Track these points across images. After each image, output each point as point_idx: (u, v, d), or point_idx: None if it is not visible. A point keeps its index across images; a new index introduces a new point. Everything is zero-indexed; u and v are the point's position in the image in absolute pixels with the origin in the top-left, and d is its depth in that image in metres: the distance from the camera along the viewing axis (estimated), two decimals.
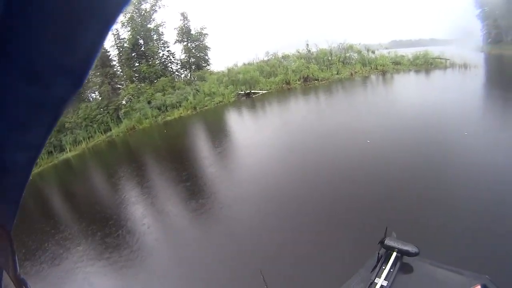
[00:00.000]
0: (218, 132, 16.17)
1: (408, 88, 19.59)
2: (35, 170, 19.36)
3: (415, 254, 2.72)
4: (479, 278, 2.46)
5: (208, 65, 20.43)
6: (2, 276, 0.46)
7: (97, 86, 20.06)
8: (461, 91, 16.16)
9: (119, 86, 19.83)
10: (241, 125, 17.33)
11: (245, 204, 8.76)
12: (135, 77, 19.64)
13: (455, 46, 28.71)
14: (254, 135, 15.15)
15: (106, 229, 9.40)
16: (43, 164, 19.42)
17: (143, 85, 19.10)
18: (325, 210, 7.26)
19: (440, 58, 24.88)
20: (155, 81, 19.24)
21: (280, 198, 8.50)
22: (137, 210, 10.70)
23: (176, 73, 20.13)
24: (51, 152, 19.60)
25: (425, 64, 25.87)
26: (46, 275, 7.52)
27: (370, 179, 8.26)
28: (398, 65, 27.40)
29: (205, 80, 19.29)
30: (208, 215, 8.91)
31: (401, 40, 33.10)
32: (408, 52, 27.99)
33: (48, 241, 9.58)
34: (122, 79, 19.92)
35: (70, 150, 19.06)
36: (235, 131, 16.57)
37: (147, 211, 10.56)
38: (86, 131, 18.92)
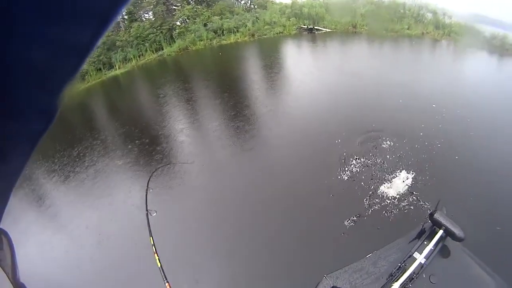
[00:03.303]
0: (274, 62, 14.72)
1: (482, 66, 16.91)
2: (84, 85, 19.26)
3: (460, 239, 2.56)
4: None
5: None
6: None
7: (152, 6, 19.13)
8: None
9: (174, 7, 18.75)
10: (299, 59, 15.73)
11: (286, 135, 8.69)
12: None
13: None
14: (310, 71, 13.63)
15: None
16: (91, 80, 19.25)
17: (199, 7, 17.85)
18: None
19: None
20: (213, 5, 17.90)
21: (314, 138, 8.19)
22: (179, 125, 10.46)
23: None
24: (100, 69, 19.30)
25: (500, 47, 22.26)
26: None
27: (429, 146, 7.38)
28: (473, 39, 23.76)
29: (266, 9, 17.64)
30: (248, 135, 9.03)
31: (486, 17, 28.32)
32: (486, 30, 24.31)
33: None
34: (178, 0, 18.78)
35: (119, 68, 18.64)
36: (291, 64, 15.04)
37: (188, 126, 10.29)
38: (137, 49, 18.29)
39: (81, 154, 10.11)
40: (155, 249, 3.00)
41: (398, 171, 6.69)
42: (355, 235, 5.11)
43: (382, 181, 6.43)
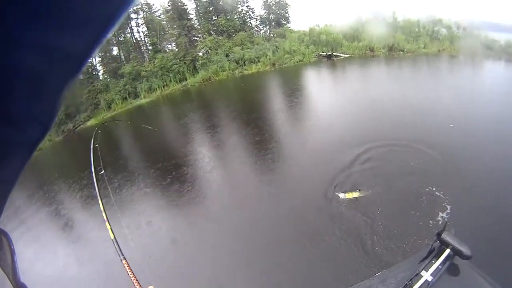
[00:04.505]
0: (296, 91, 15.09)
1: (503, 79, 16.77)
2: (110, 113, 20.12)
3: (468, 258, 2.54)
4: None
5: (288, 22, 19.27)
6: None
7: (174, 38, 20.04)
8: None
9: (196, 38, 19.58)
10: (321, 87, 16.02)
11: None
12: (213, 30, 19.19)
13: None
14: (332, 99, 13.92)
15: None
16: (117, 108, 20.10)
17: (221, 38, 18.58)
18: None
19: None
20: (234, 35, 18.60)
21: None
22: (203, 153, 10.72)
23: (255, 28, 19.31)
24: (126, 98, 20.18)
25: None
26: None
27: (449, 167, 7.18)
28: (488, 50, 23.60)
29: (285, 38, 18.19)
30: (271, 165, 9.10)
31: (498, 24, 27.89)
32: (502, 38, 24.06)
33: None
34: (200, 32, 19.60)
35: (144, 97, 19.45)
36: (313, 92, 15.37)
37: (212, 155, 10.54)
38: (162, 79, 19.09)
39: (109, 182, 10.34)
40: (107, 217, 2.44)
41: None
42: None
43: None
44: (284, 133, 11.33)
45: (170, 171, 9.80)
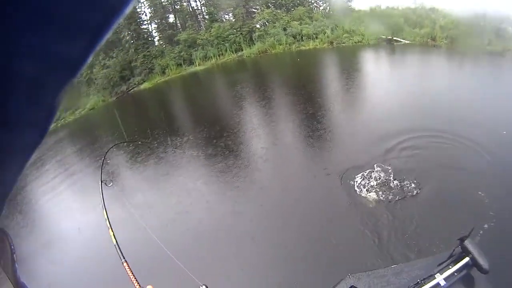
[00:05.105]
0: (354, 71, 15.00)
1: None
2: (164, 78, 21.11)
3: (485, 272, 2.47)
4: None
5: (349, 1, 18.95)
6: None
7: (231, 8, 20.40)
8: None
9: (253, 10, 19.83)
10: (380, 71, 15.79)
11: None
12: (271, 3, 19.32)
13: None
14: (390, 84, 13.68)
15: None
16: (171, 74, 21.08)
17: (279, 11, 18.71)
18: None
19: None
20: (292, 10, 18.65)
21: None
22: (251, 123, 11.02)
23: (315, 4, 19.23)
24: (180, 64, 21.08)
25: None
26: None
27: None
28: None
29: (344, 16, 17.99)
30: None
31: None
32: None
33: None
34: (257, 3, 19.80)
35: (199, 65, 20.25)
36: (371, 75, 15.19)
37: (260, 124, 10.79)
38: (217, 48, 19.70)
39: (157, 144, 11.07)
40: (110, 224, 2.69)
41: None
42: None
43: None
44: (337, 114, 11.25)
45: (215, 138, 10.32)
